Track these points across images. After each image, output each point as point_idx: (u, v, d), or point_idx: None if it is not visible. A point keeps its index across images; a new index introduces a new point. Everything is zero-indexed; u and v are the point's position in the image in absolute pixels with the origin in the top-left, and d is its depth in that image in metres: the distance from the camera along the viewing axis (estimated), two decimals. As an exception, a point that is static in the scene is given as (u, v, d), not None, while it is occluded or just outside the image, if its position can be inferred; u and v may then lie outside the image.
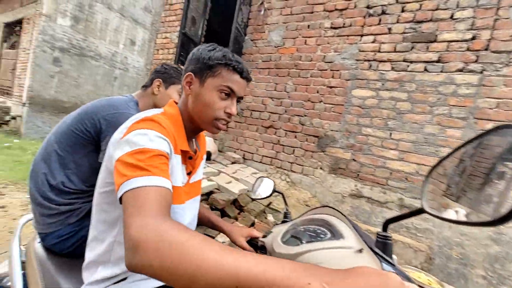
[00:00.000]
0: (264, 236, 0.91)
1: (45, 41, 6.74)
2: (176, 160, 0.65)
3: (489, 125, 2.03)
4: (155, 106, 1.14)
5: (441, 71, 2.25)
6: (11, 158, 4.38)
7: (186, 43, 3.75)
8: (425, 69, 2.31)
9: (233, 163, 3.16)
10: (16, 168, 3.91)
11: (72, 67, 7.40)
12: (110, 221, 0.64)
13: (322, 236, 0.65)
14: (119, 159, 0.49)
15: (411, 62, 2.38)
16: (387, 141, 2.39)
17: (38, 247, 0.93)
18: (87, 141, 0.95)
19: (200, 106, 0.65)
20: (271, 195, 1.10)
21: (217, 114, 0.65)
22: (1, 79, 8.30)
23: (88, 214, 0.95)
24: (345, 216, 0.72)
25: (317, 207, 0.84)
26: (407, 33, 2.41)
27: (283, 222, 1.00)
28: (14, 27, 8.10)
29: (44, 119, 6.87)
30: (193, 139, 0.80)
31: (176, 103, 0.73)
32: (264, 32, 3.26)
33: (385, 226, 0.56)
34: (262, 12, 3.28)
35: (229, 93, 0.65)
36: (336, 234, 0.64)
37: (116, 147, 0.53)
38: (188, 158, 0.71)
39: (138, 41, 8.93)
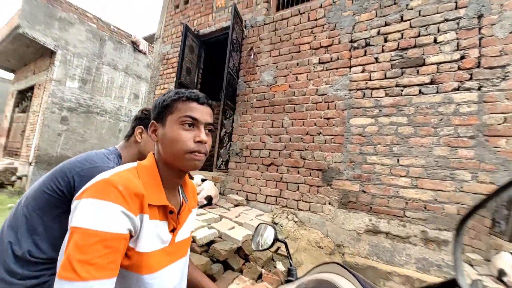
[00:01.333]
0: None
1: (54, 103, 7.17)
2: (148, 222, 0.57)
3: (502, 141, 1.90)
4: (140, 154, 1.07)
5: (437, 92, 2.21)
6: (10, 220, 4.25)
7: (183, 91, 3.91)
8: (420, 92, 2.28)
9: (236, 205, 2.98)
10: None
11: (79, 124, 7.73)
12: None
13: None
14: (70, 228, 0.49)
15: (404, 86, 2.37)
16: (396, 168, 2.24)
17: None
18: (59, 201, 0.85)
19: (169, 145, 0.62)
20: (272, 245, 0.96)
21: (186, 146, 0.61)
22: (11, 141, 8.65)
23: None
24: (356, 276, 0.59)
25: (324, 263, 0.71)
26: (394, 60, 2.45)
27: (287, 281, 0.84)
28: (26, 93, 8.73)
29: (48, 176, 6.90)
30: (179, 190, 0.72)
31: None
32: (256, 73, 3.39)
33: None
34: (252, 57, 3.46)
35: (192, 123, 0.62)
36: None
37: (73, 208, 0.52)
38: (169, 213, 0.63)
39: (141, 95, 9.48)
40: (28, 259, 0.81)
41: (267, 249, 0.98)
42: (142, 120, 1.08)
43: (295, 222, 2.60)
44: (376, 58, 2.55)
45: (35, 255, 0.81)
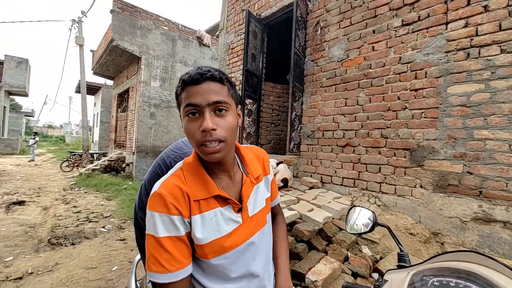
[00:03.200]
0: (376, 287, 0.73)
1: (144, 102, 8.51)
2: (209, 214, 0.63)
3: None
4: None
5: None
6: (127, 197, 5.45)
7: (249, 78, 4.03)
8: (561, 40, 1.70)
9: (310, 188, 2.99)
10: (132, 205, 4.81)
11: (163, 117, 9.00)
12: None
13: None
14: (146, 233, 0.60)
15: (532, 36, 1.80)
16: (520, 144, 1.78)
17: (149, 286, 1.01)
18: None
19: (188, 140, 0.62)
20: (372, 229, 0.91)
21: (195, 139, 0.57)
22: (118, 136, 10.81)
23: None
24: (507, 266, 0.50)
25: (452, 251, 0.63)
26: (516, 3, 1.87)
27: (399, 267, 0.79)
28: (123, 96, 10.63)
29: (147, 162, 8.42)
30: (238, 165, 0.72)
31: None
32: (324, 49, 3.17)
33: None
34: (318, 32, 3.24)
35: (194, 110, 0.57)
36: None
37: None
38: (227, 199, 0.65)
39: (209, 86, 10.22)
40: None
41: (366, 232, 0.93)
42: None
43: (378, 206, 2.43)
44: (485, 7, 2.01)
45: None
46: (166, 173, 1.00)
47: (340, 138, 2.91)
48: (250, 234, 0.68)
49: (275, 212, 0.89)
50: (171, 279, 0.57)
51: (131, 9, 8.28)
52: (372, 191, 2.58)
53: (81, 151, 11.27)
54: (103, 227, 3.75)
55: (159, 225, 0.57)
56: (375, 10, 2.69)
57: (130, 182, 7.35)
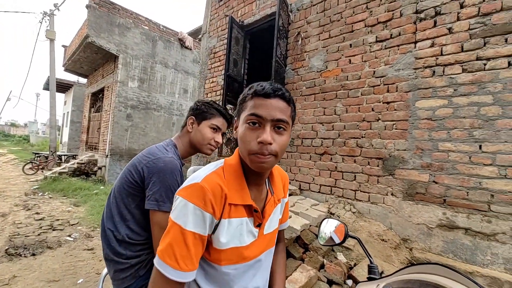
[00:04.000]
0: None
1: (120, 102, 8.15)
2: (236, 221, 0.63)
3: None
4: (190, 143, 1.12)
5: (536, 62, 1.82)
6: (98, 203, 5.12)
7: (230, 83, 4.02)
8: (510, 64, 1.91)
9: (289, 195, 3.02)
10: (102, 212, 4.53)
11: (140, 119, 8.67)
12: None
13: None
14: (171, 220, 0.58)
15: (488, 59, 2.00)
16: (478, 156, 1.95)
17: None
18: (136, 190, 0.98)
19: (240, 144, 0.64)
20: (344, 241, 0.94)
21: (250, 147, 0.61)
22: (90, 137, 10.21)
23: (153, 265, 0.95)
24: (470, 278, 0.54)
25: (419, 264, 0.66)
26: (474, 29, 2.08)
27: (369, 279, 0.82)
28: (98, 95, 10.10)
29: (121, 166, 8.02)
30: (266, 182, 0.73)
31: None
32: (305, 59, 3.27)
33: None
34: (299, 42, 3.33)
35: (257, 121, 0.61)
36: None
37: (174, 201, 0.61)
38: (254, 212, 0.66)
39: (189, 89, 10.09)
40: (128, 241, 0.96)
41: (338, 245, 0.96)
42: (194, 110, 1.13)
43: (353, 213, 2.52)
44: (450, 29, 2.20)
45: (132, 237, 0.96)
46: (137, 181, 0.97)
47: (319, 146, 2.99)
48: (261, 251, 0.69)
49: (279, 238, 0.89)
50: (179, 278, 0.55)
51: (109, 6, 7.95)
52: (348, 198, 2.67)
53: (47, 152, 10.46)
54: (69, 235, 3.48)
55: (190, 217, 0.56)
56: (352, 25, 2.83)
57: (101, 187, 6.94)
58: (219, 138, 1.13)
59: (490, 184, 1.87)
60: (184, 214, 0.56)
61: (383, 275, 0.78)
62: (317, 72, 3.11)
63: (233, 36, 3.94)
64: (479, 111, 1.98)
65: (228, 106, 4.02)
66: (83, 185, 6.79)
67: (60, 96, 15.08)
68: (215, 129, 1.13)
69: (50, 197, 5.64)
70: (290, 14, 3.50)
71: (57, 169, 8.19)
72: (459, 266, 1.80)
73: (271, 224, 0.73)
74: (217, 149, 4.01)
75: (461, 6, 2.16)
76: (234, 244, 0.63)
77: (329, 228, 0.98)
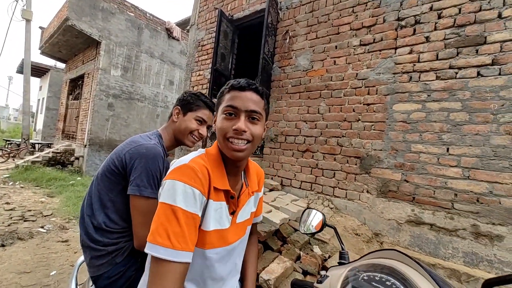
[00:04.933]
0: (318, 282, 0.81)
1: (101, 90, 7.84)
2: (216, 204, 0.66)
3: None
4: (174, 133, 1.13)
5: (499, 74, 1.98)
6: (74, 194, 4.94)
7: (217, 77, 4.00)
8: (479, 74, 2.06)
9: (271, 190, 3.08)
10: (79, 203, 4.37)
11: (122, 109, 8.39)
12: None
13: (392, 289, 0.55)
14: (160, 203, 0.57)
15: (459, 68, 2.15)
16: (445, 158, 2.10)
17: (92, 291, 0.95)
18: (118, 178, 0.98)
19: (217, 134, 0.68)
20: (321, 229, 1.02)
21: (224, 133, 0.66)
22: (68, 125, 9.74)
23: (131, 253, 0.97)
24: (419, 263, 0.61)
25: (380, 250, 0.73)
26: (449, 39, 2.22)
27: (340, 264, 0.89)
28: (77, 82, 9.63)
29: (101, 157, 7.74)
30: (241, 174, 0.78)
31: None
32: (291, 58, 3.32)
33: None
34: (287, 41, 3.38)
35: (232, 111, 0.66)
36: None
37: (161, 187, 0.60)
38: (230, 198, 0.70)
39: (175, 81, 9.87)
40: (105, 228, 0.96)
41: (316, 233, 1.03)
42: (180, 101, 1.14)
43: (331, 208, 2.63)
44: (427, 37, 2.33)
45: (109, 225, 0.97)
46: (118, 169, 0.97)
47: (301, 143, 3.07)
48: (235, 239, 0.72)
49: (252, 231, 0.93)
50: (172, 257, 0.52)
51: (93, -12, 7.56)
52: (327, 194, 2.78)
53: (20, 140, 9.86)
54: (42, 227, 3.35)
55: (180, 196, 0.56)
56: (338, 28, 2.91)
57: (78, 178, 6.68)
58: (203, 130, 1.14)
59: (454, 184, 2.03)
60: (173, 193, 0.56)
61: (351, 261, 0.85)
62: (303, 71, 3.18)
63: (222, 30, 3.91)
64: (449, 116, 2.13)
65: (214, 100, 4.00)
66: (59, 175, 6.49)
67: (35, 81, 14.20)
68: (200, 121, 1.14)
69: (22, 187, 5.36)
70: (280, 12, 3.53)
71: (30, 157, 7.76)
72: (423, 259, 1.94)
73: (244, 214, 0.77)
74: (201, 142, 3.99)
75: (439, 17, 2.29)
76: (216, 227, 0.65)
77: (308, 217, 1.05)
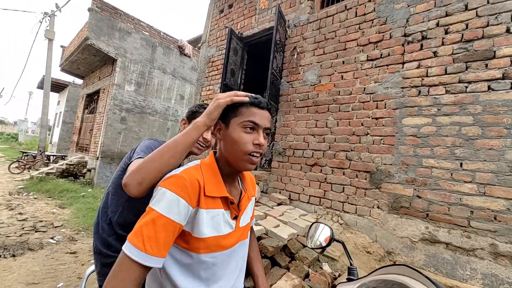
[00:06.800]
0: None
1: (115, 105, 8.13)
2: (213, 212, 0.69)
3: None
4: None
5: (511, 88, 1.95)
6: (84, 206, 5.02)
7: (227, 92, 4.10)
8: (490, 88, 2.04)
9: (279, 204, 3.04)
10: (89, 215, 4.43)
11: (134, 123, 8.64)
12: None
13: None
14: (148, 207, 0.61)
15: (469, 82, 2.13)
16: (459, 173, 2.04)
17: (100, 303, 0.95)
18: None
19: (230, 145, 0.70)
20: (329, 244, 0.99)
21: (246, 148, 0.68)
22: (82, 138, 10.07)
23: None
24: (430, 279, 0.59)
25: (390, 265, 0.71)
26: (457, 53, 2.22)
27: (349, 280, 0.86)
28: (93, 97, 10.05)
29: (112, 169, 7.90)
30: (238, 181, 0.82)
31: (215, 153, 0.78)
32: (299, 73, 3.38)
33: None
34: (295, 56, 3.46)
35: (253, 127, 0.69)
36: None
37: (154, 192, 0.64)
38: (230, 204, 0.73)
39: (186, 95, 10.15)
40: (120, 233, 0.97)
41: (324, 247, 1.01)
42: (188, 113, 1.16)
43: (340, 224, 2.56)
44: (435, 52, 2.34)
45: (123, 230, 0.98)
46: (125, 169, 0.98)
47: (309, 157, 3.06)
48: (236, 242, 0.75)
49: (250, 229, 0.97)
50: (140, 259, 0.55)
51: (111, 10, 8.07)
52: (336, 209, 2.71)
53: (36, 152, 10.23)
54: (52, 238, 3.39)
55: (165, 203, 0.60)
56: (345, 44, 2.97)
57: (89, 189, 6.80)
58: (207, 135, 1.14)
59: (470, 201, 1.95)
60: (160, 200, 0.60)
61: (360, 277, 0.82)
62: (311, 85, 3.22)
63: (231, 47, 4.06)
64: (460, 131, 2.09)
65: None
66: (71, 186, 6.64)
67: (54, 96, 14.93)
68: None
69: (35, 198, 5.49)
70: (288, 29, 3.65)
71: (45, 169, 8.00)
72: (439, 280, 1.84)
73: (245, 218, 0.80)
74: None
75: (446, 32, 2.32)
76: (213, 234, 0.67)
77: (316, 231, 1.04)
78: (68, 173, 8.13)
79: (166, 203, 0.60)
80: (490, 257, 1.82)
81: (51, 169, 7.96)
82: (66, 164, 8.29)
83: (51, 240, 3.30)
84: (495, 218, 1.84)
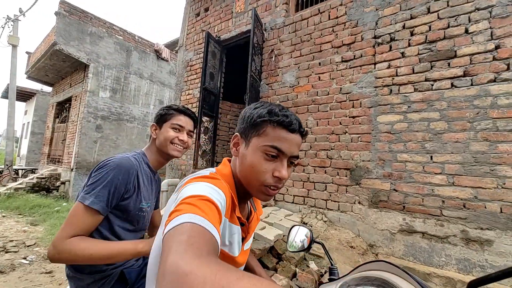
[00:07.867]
0: None
1: (89, 113, 7.75)
2: (234, 228, 0.61)
3: (549, 134, 1.77)
4: (158, 150, 1.09)
5: (471, 85, 2.12)
6: (59, 221, 4.72)
7: (207, 96, 4.06)
8: (453, 85, 2.20)
9: (264, 206, 3.06)
10: (63, 231, 4.16)
11: (111, 131, 8.28)
12: None
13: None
14: (180, 200, 0.45)
15: (435, 80, 2.29)
16: (429, 166, 2.18)
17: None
18: None
19: (247, 169, 0.58)
20: (310, 247, 0.99)
21: (263, 179, 0.56)
22: (54, 149, 9.48)
23: (120, 279, 0.93)
24: (407, 272, 0.62)
25: (369, 262, 0.74)
26: (423, 53, 2.37)
27: (330, 280, 0.88)
28: (64, 105, 9.50)
29: (87, 181, 7.49)
30: (249, 200, 0.73)
31: (229, 160, 0.68)
32: (278, 75, 3.43)
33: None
34: (273, 59, 3.51)
35: (276, 154, 0.56)
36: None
37: (181, 192, 0.50)
38: (241, 225, 0.64)
39: (165, 100, 9.90)
40: None
41: (304, 250, 1.01)
42: (155, 118, 1.12)
43: (325, 221, 2.62)
44: (403, 53, 2.49)
45: None
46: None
47: (292, 157, 3.10)
48: (239, 267, 0.66)
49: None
50: (205, 224, 0.40)
51: (81, 14, 7.70)
52: (320, 208, 2.78)
53: (2, 166, 9.47)
54: (25, 258, 3.15)
55: (211, 193, 0.48)
56: (321, 46, 3.07)
57: (64, 203, 6.41)
58: (183, 136, 1.09)
59: (441, 191, 2.09)
60: (203, 189, 0.49)
61: (340, 276, 0.85)
62: (290, 87, 3.28)
63: (209, 50, 4.03)
64: (429, 126, 2.23)
65: (204, 119, 4.04)
66: (43, 202, 6.21)
67: (20, 105, 13.93)
68: (177, 128, 1.09)
69: (3, 216, 5.08)
70: (264, 32, 3.69)
71: (13, 184, 7.43)
72: (418, 268, 1.95)
73: (250, 241, 0.73)
74: (192, 161, 3.96)
75: (412, 34, 2.46)
76: (223, 247, 0.59)
77: (297, 235, 1.03)
78: (40, 187, 7.61)
79: (207, 189, 0.49)
80: (462, 243, 1.96)
81: (20, 184, 7.41)
82: (37, 177, 7.75)
83: (23, 261, 3.07)
84: (464, 206, 1.99)
